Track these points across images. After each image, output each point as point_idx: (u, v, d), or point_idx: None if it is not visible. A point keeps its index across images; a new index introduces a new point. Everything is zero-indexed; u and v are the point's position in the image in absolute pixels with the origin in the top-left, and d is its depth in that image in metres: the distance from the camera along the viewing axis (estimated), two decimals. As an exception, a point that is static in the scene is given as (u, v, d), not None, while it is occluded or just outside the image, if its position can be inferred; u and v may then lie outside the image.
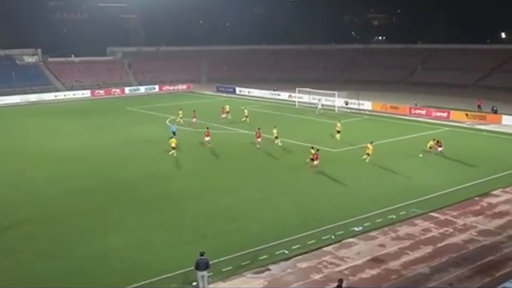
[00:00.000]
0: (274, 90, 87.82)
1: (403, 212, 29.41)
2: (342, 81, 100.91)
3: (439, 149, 43.30)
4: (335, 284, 19.58)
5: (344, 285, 19.61)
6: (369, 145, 41.24)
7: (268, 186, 34.83)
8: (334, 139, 49.11)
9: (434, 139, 44.93)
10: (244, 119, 59.34)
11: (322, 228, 26.99)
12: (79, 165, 41.42)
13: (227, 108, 63.22)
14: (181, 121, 58.48)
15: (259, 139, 45.96)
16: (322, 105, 69.09)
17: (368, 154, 40.78)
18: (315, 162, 38.43)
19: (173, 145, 43.70)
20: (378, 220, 28.14)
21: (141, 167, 40.36)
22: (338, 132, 49.62)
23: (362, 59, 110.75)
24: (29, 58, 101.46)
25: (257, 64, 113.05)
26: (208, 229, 27.34)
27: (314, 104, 71.97)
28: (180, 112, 59.94)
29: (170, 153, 43.54)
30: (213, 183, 35.88)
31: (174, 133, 46.58)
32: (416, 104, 68.27)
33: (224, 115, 61.34)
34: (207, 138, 46.57)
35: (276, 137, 47.29)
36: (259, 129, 46.91)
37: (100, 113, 71.20)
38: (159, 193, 33.68)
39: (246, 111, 60.68)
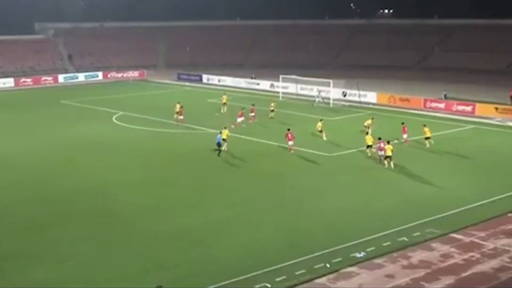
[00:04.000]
0: (251, 78, 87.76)
1: (417, 233, 29.45)
2: (338, 66, 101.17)
3: (404, 136, 44.88)
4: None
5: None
6: (389, 145, 41.86)
7: (243, 200, 34.80)
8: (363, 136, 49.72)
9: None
10: (271, 114, 60.01)
11: (314, 254, 26.93)
12: (0, 174, 41.11)
13: (225, 99, 64.20)
14: (178, 117, 57.98)
15: (291, 142, 46.24)
16: (323, 97, 69.33)
17: (389, 157, 41.24)
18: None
19: (224, 136, 46.32)
20: (385, 244, 28.13)
21: (81, 177, 40.10)
22: (366, 127, 51.21)
23: (363, 38, 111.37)
24: None
25: (229, 44, 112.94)
26: (166, 256, 27.17)
27: (303, 95, 72.21)
28: (178, 105, 59.45)
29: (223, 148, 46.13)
30: (173, 197, 35.76)
31: (219, 144, 45.87)
32: (445, 96, 68.66)
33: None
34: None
35: (321, 131, 49.85)
36: (288, 129, 46.97)
37: (27, 107, 70.53)
38: (104, 210, 33.45)
39: (273, 104, 61.31)
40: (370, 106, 68.00)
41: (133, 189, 37.44)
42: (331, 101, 69.03)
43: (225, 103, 64.42)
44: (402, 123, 49.41)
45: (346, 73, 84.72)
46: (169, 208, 33.81)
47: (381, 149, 42.52)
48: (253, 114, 58.85)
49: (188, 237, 29.39)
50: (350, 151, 46.51)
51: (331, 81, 70.33)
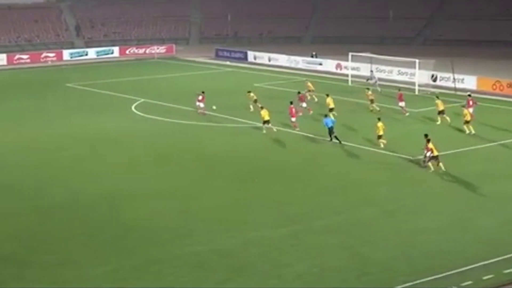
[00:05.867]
0: (312, 56, 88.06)
1: (530, 264, 29.10)
2: (426, 41, 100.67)
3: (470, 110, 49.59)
4: None
5: None
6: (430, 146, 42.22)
7: (298, 217, 34.74)
8: (463, 132, 50.85)
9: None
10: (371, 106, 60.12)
11: (391, 290, 26.84)
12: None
13: (311, 86, 65.57)
14: (251, 107, 58.87)
15: (294, 119, 52.27)
16: (377, 79, 69.64)
17: (437, 157, 41.54)
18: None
19: (267, 117, 50.71)
20: (486, 277, 27.66)
21: (90, 182, 40.66)
22: (467, 122, 51.51)
23: (460, 4, 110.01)
24: None
25: (283, 12, 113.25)
26: (198, 286, 27.27)
27: (381, 80, 71.91)
28: (252, 94, 60.08)
29: (266, 129, 51.09)
30: (204, 211, 35.93)
31: (331, 129, 48.01)
32: None
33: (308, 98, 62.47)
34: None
35: (332, 109, 54.80)
36: (291, 103, 53.33)
37: (22, 91, 71.76)
38: (120, 225, 33.78)
39: (371, 93, 61.33)
40: (468, 94, 66.92)
41: (157, 199, 37.82)
42: (416, 87, 68.82)
43: (312, 90, 65.53)
44: (469, 95, 55.85)
45: (436, 50, 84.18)
46: (200, 224, 33.93)
47: (428, 149, 42.40)
48: (305, 105, 59.10)
49: (226, 264, 29.36)
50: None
51: (417, 60, 70.05)
